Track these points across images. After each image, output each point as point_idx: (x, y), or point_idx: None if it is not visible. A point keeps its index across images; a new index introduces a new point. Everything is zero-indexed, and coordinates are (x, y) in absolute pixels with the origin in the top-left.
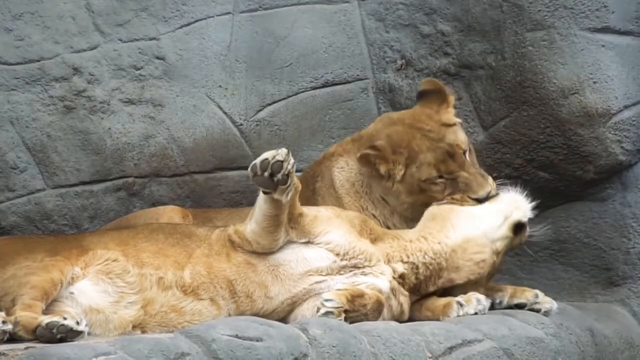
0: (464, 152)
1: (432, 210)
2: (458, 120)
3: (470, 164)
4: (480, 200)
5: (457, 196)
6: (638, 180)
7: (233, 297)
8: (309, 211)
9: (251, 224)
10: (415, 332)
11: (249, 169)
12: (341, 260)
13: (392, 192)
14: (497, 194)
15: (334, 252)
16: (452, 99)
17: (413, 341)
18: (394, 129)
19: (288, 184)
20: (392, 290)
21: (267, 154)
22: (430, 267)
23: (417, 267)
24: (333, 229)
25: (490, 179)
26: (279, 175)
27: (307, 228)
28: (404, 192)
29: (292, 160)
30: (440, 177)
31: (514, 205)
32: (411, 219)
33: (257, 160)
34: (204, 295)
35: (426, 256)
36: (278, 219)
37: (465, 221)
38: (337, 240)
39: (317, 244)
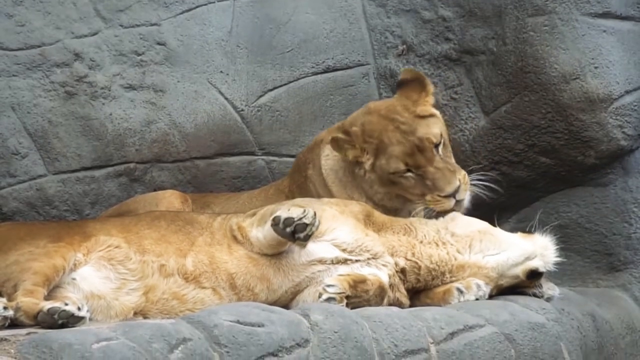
0: (436, 146)
1: (462, 218)
2: (434, 111)
3: (440, 159)
4: (449, 196)
5: (429, 197)
6: (639, 165)
7: (234, 289)
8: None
9: (257, 231)
10: (417, 317)
11: (272, 218)
12: (348, 255)
13: (365, 180)
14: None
15: (340, 248)
16: (431, 88)
17: (415, 327)
18: (369, 118)
19: (307, 242)
20: (391, 286)
21: (294, 213)
22: (433, 273)
23: (419, 268)
24: (338, 225)
25: (460, 174)
26: (301, 235)
27: None
28: (377, 182)
29: (317, 223)
30: (409, 171)
31: (541, 250)
32: (389, 208)
33: (282, 215)
34: (206, 284)
35: (432, 261)
36: (287, 243)
37: (486, 245)
38: (343, 237)
39: (323, 240)
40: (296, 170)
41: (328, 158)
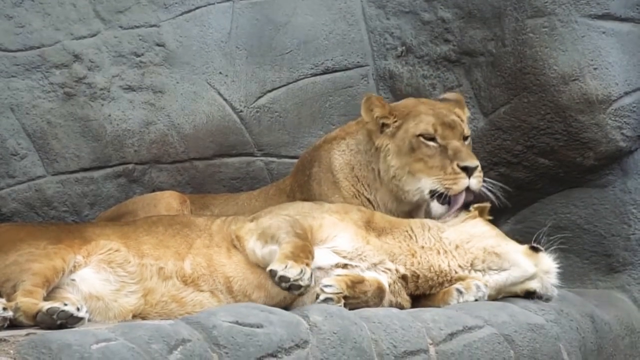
0: (465, 137)
1: (472, 223)
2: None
3: (465, 145)
4: (467, 170)
5: (449, 169)
6: (638, 166)
7: (231, 293)
8: (313, 221)
9: (255, 245)
10: (416, 318)
11: (268, 269)
12: (349, 261)
13: (381, 151)
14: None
15: (340, 255)
16: (467, 111)
17: (414, 328)
18: (405, 101)
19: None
20: (392, 292)
21: (291, 273)
22: (431, 282)
23: (417, 277)
24: (339, 232)
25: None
26: (295, 292)
27: (313, 237)
28: (393, 152)
29: (312, 284)
30: (434, 139)
31: (542, 274)
32: (396, 197)
33: (279, 272)
34: (204, 287)
35: (431, 270)
36: None
37: (489, 264)
38: (343, 245)
39: (323, 247)
40: (299, 170)
41: (344, 153)
